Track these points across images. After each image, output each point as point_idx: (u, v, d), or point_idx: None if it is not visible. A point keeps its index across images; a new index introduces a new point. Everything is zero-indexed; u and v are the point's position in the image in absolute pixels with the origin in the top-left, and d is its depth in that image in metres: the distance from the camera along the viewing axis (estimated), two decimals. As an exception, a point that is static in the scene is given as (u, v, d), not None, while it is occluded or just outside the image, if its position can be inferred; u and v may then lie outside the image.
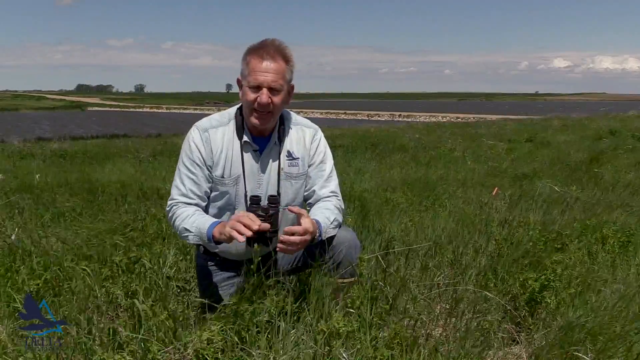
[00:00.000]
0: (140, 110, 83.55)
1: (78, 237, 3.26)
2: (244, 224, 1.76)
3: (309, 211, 2.06)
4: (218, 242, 1.91)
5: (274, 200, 1.96)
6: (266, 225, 1.81)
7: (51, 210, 4.09)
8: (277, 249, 1.85)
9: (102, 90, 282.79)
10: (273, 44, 1.92)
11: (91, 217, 3.92)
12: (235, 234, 1.76)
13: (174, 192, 2.03)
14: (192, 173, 2.00)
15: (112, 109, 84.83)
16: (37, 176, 5.88)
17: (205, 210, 2.06)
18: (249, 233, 1.76)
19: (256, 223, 1.77)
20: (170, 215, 2.04)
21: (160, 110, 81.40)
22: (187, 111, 70.34)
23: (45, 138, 17.86)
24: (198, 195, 2.01)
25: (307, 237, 1.83)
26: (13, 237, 3.08)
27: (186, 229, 1.95)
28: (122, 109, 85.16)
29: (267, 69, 1.88)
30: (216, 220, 1.94)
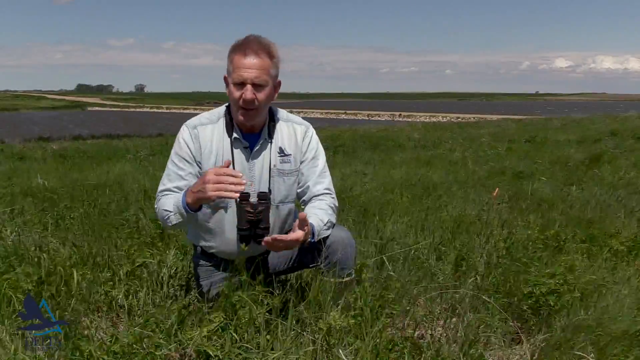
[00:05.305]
0: (141, 110, 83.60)
1: (79, 238, 3.26)
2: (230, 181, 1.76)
3: (302, 209, 2.06)
4: (195, 209, 1.90)
5: (264, 196, 1.95)
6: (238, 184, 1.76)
7: (52, 211, 4.09)
8: (263, 242, 1.86)
9: (103, 90, 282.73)
10: (256, 40, 1.91)
11: (92, 217, 3.91)
12: (226, 194, 1.76)
13: (160, 187, 2.05)
14: (180, 169, 2.01)
15: (112, 109, 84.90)
16: (39, 178, 5.88)
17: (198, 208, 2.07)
18: (240, 188, 1.76)
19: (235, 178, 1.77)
20: (156, 207, 2.06)
21: (160, 110, 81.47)
22: (187, 111, 70.41)
23: (45, 138, 17.88)
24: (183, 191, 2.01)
25: (295, 243, 1.85)
26: (12, 238, 3.08)
27: (166, 210, 1.96)
28: (123, 109, 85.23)
29: (250, 65, 1.87)
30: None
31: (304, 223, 1.83)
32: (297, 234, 1.83)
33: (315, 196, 2.07)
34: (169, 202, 1.96)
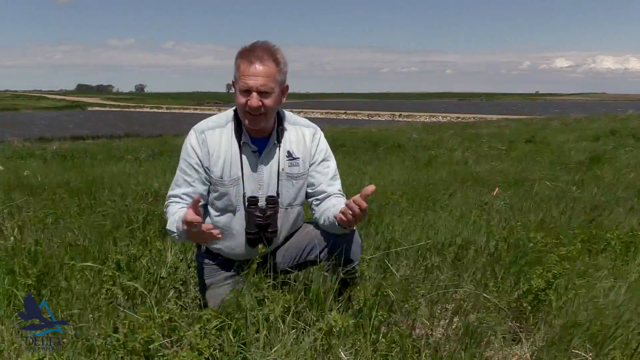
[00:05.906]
0: (141, 110, 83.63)
1: (79, 236, 3.26)
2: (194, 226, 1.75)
3: (318, 204, 2.07)
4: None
5: (273, 200, 1.98)
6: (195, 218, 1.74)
7: (51, 209, 4.08)
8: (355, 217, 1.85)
9: (103, 90, 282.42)
10: (263, 47, 1.91)
11: (92, 216, 3.91)
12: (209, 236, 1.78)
13: (169, 191, 2.08)
14: (188, 175, 2.02)
15: (112, 109, 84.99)
16: (38, 176, 5.88)
17: (206, 211, 2.08)
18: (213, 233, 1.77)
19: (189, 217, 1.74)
20: (165, 211, 2.09)
21: (160, 110, 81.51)
22: (187, 111, 70.49)
23: (45, 138, 17.87)
24: (191, 197, 2.01)
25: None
26: (13, 238, 3.08)
27: (170, 230, 1.99)
28: (123, 109, 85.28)
29: (256, 73, 1.87)
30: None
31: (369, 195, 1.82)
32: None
33: (332, 195, 2.08)
34: (172, 221, 1.96)
